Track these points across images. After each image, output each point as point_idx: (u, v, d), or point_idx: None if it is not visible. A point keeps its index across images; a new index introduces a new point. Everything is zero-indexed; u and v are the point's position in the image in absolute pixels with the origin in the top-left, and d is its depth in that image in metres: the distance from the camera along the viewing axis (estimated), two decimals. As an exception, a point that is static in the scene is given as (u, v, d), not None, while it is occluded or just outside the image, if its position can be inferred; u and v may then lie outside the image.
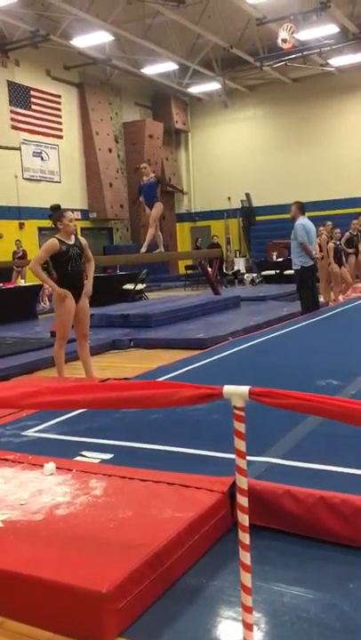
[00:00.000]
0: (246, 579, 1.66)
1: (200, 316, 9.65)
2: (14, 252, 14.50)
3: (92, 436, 3.54)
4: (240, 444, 1.63)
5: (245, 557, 1.66)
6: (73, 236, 5.47)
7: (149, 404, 1.73)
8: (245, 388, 1.59)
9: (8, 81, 16.44)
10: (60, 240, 5.37)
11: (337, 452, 3.00)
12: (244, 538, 1.64)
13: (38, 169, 17.45)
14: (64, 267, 5.38)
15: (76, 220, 19.59)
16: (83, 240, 5.59)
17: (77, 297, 5.43)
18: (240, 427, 1.63)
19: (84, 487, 2.73)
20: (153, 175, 9.41)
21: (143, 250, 9.58)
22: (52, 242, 5.38)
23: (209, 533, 2.46)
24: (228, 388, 1.62)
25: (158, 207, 9.36)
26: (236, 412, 1.62)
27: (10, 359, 6.75)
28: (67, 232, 5.41)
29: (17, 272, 13.64)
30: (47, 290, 10.79)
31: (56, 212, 5.53)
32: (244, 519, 1.63)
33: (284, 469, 2.81)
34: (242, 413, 1.62)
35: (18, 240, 14.77)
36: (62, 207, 5.72)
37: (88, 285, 5.54)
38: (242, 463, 1.64)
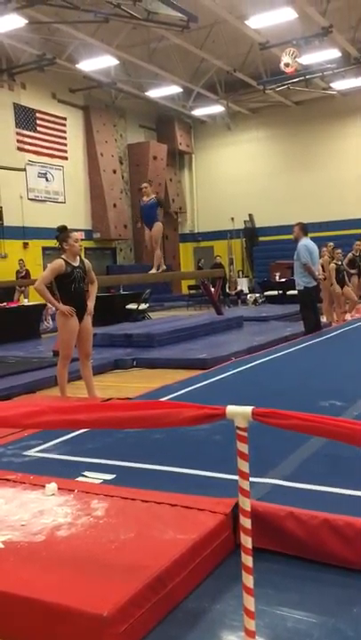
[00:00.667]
0: (249, 602, 1.64)
1: (203, 336, 9.65)
2: (17, 272, 14.58)
3: (93, 456, 3.52)
4: (243, 465, 1.62)
5: (248, 580, 1.64)
6: (78, 257, 5.52)
7: (152, 424, 1.73)
8: (248, 409, 1.59)
9: (14, 103, 16.68)
10: (65, 261, 5.41)
11: (341, 473, 2.98)
12: (247, 560, 1.62)
13: (43, 189, 17.62)
14: (67, 288, 5.42)
15: (81, 240, 19.66)
16: (87, 262, 5.64)
17: (80, 317, 5.46)
18: (243, 447, 1.62)
19: (86, 508, 2.71)
20: (154, 196, 9.41)
21: (153, 271, 9.56)
22: (59, 262, 5.42)
23: (211, 556, 2.44)
24: (231, 409, 1.61)
25: (158, 227, 9.33)
26: (239, 432, 1.61)
27: (12, 378, 6.74)
28: (72, 253, 5.46)
29: (20, 291, 13.69)
30: (50, 309, 10.75)
31: (62, 233, 5.56)
32: (247, 541, 1.62)
33: (287, 491, 2.79)
34: (245, 434, 1.62)
35: (21, 259, 14.86)
36: (69, 228, 5.77)
37: (90, 305, 5.57)
38: (245, 484, 1.63)
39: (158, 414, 1.64)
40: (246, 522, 1.63)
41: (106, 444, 3.74)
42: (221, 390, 5.45)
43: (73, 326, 5.42)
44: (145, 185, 9.59)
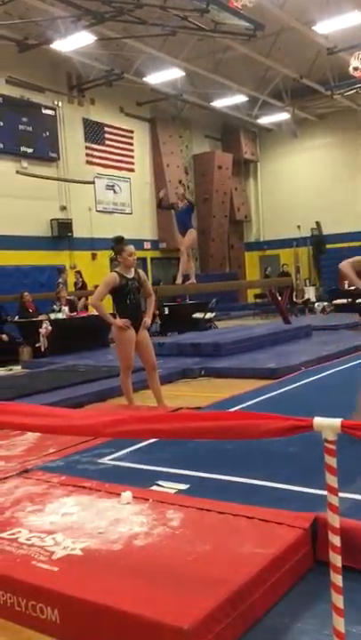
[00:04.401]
0: (339, 623, 1.57)
1: (271, 346, 9.51)
2: (75, 283, 14.81)
3: (166, 465, 3.52)
4: (332, 480, 1.56)
5: (338, 601, 1.57)
6: (132, 270, 5.50)
7: (236, 435, 1.69)
8: (337, 421, 1.53)
9: (84, 118, 17.13)
10: (119, 274, 5.43)
11: None
12: (337, 580, 1.56)
13: (110, 201, 17.98)
14: (123, 300, 5.43)
15: (147, 250, 19.85)
16: (142, 274, 5.61)
17: (136, 329, 5.46)
18: (331, 461, 1.56)
19: (162, 518, 2.70)
20: (186, 200, 9.19)
21: (179, 281, 9.41)
22: (112, 276, 5.46)
23: (290, 572, 2.37)
24: (318, 421, 1.56)
25: (191, 235, 9.10)
26: (328, 445, 1.55)
27: (83, 387, 6.87)
28: (126, 265, 5.45)
29: (84, 303, 13.74)
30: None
31: (117, 245, 5.51)
32: (336, 559, 1.55)
33: (369, 507, 2.68)
34: (333, 447, 1.56)
35: (78, 271, 15.16)
36: (134, 238, 5.80)
37: (147, 319, 5.55)
38: (334, 500, 1.57)
39: (243, 425, 1.60)
40: (336, 539, 1.56)
41: (177, 453, 3.73)
42: (293, 401, 5.34)
43: (129, 338, 5.41)
44: (181, 191, 9.37)
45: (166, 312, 12.83)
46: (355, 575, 2.37)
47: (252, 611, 2.14)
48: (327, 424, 1.54)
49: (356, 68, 14.19)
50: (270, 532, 2.48)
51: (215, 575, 2.18)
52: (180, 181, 17.99)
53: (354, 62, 14.13)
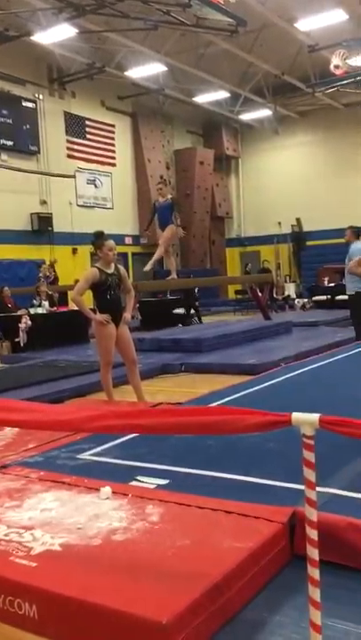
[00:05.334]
0: (316, 616, 1.59)
1: (251, 341, 9.55)
2: (47, 277, 14.63)
3: (146, 460, 3.51)
4: (310, 475, 1.58)
5: (315, 594, 1.59)
6: (112, 265, 5.50)
7: (215, 431, 1.70)
8: (315, 416, 1.54)
9: (65, 112, 17.01)
10: (99, 269, 5.42)
11: None
12: (314, 573, 1.58)
13: (92, 196, 17.88)
14: (103, 295, 5.43)
15: (128, 245, 19.77)
16: (122, 269, 5.61)
17: (116, 324, 5.46)
18: (309, 456, 1.58)
19: (141, 513, 2.70)
20: (170, 197, 9.26)
21: (147, 268, 9.44)
22: (92, 271, 5.44)
23: (268, 565, 2.39)
24: (297, 416, 1.57)
25: (171, 230, 9.14)
26: (306, 440, 1.57)
27: (63, 382, 6.83)
28: (106, 261, 5.44)
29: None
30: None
31: (98, 240, 5.50)
32: (313, 553, 1.57)
33: (346, 501, 2.71)
34: (312, 442, 1.57)
35: (51, 265, 15.02)
36: (115, 233, 5.79)
37: (127, 315, 5.56)
38: (312, 494, 1.58)
39: (223, 420, 1.61)
40: (313, 533, 1.58)
41: (158, 448, 3.73)
42: (272, 397, 5.37)
43: (110, 333, 5.41)
44: (160, 186, 9.44)
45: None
46: (332, 569, 2.40)
47: (231, 604, 2.15)
48: (305, 419, 1.55)
49: (336, 66, 14.29)
50: (249, 527, 2.49)
51: (194, 569, 2.18)
52: (161, 177, 17.96)
53: (335, 60, 14.22)
